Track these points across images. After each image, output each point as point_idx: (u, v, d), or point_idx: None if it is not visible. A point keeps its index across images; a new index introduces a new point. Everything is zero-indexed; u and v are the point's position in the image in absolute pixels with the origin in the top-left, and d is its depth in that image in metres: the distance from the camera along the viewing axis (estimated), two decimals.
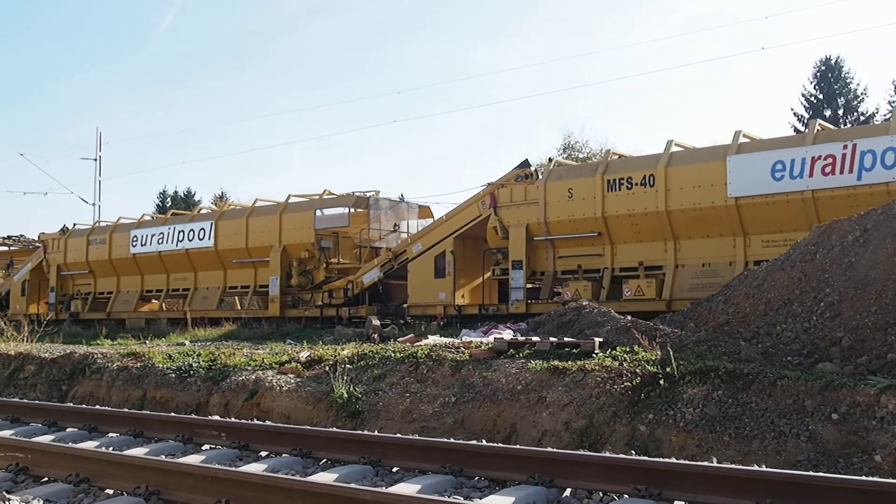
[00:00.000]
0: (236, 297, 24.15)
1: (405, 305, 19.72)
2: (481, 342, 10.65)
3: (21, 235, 32.57)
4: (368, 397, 9.34)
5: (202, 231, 23.67)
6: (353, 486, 5.51)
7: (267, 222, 22.44)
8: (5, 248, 32.84)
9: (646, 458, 6.08)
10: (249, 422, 8.45)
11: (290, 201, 22.57)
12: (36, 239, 31.68)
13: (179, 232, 24.17)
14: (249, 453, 7.44)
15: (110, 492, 6.11)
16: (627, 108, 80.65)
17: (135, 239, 25.25)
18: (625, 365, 8.17)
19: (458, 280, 18.88)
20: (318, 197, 22.51)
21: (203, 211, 24.49)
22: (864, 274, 8.39)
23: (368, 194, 22.00)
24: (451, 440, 7.07)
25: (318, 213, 21.81)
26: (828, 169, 14.09)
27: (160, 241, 24.64)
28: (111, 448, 7.76)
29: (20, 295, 29.01)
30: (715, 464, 5.83)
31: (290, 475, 6.36)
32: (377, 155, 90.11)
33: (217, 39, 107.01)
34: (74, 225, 27.94)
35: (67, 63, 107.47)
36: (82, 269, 27.12)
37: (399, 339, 12.44)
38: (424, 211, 23.58)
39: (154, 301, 26.37)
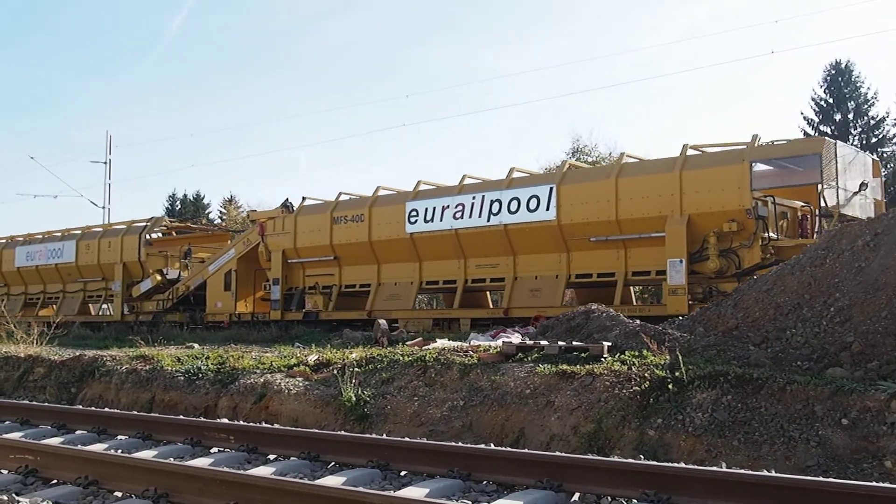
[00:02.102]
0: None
1: None
2: (490, 346, 10.65)
3: (204, 216, 28.64)
4: (377, 401, 9.34)
5: (534, 200, 17.12)
6: (361, 489, 5.53)
7: (654, 183, 15.80)
8: (158, 235, 26.80)
9: (654, 462, 6.06)
10: (258, 425, 8.47)
11: (689, 154, 15.92)
12: (235, 220, 28.10)
13: (493, 202, 17.66)
14: (258, 456, 7.45)
15: (119, 494, 6.13)
16: (636, 111, 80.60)
17: (413, 214, 18.90)
18: (633, 369, 8.15)
19: None
20: (743, 146, 15.39)
21: (518, 175, 18.19)
22: (874, 279, 8.35)
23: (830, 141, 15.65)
24: (460, 444, 7.07)
25: (758, 166, 15.21)
26: None
27: (458, 214, 18.19)
28: (120, 450, 7.79)
29: (223, 290, 22.66)
30: (724, 469, 5.80)
31: (298, 478, 6.37)
32: (386, 159, 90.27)
33: (226, 44, 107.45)
34: (304, 199, 21.96)
35: (77, 66, 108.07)
36: (323, 254, 20.69)
37: (407, 343, 12.44)
38: (876, 166, 17.08)
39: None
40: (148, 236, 25.42)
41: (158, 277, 24.80)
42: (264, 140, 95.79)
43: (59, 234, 28.54)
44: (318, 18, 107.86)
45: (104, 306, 28.41)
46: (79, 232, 27.90)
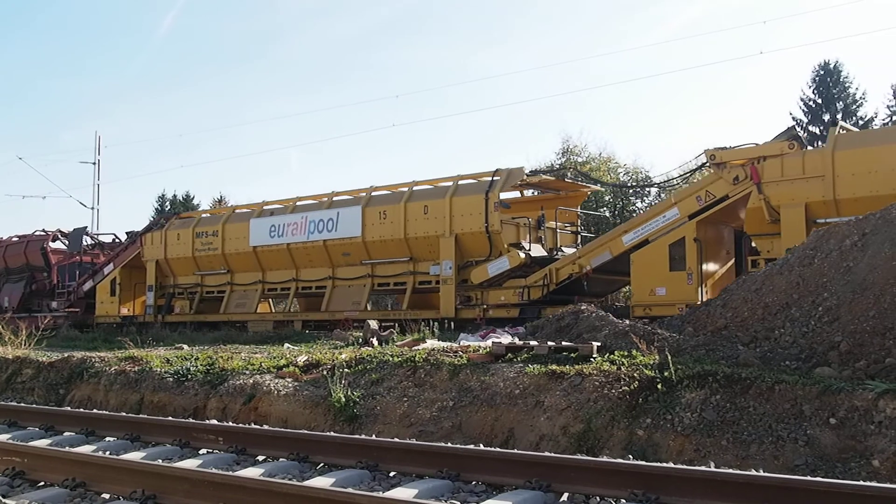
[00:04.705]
0: None
1: None
2: (479, 346, 10.65)
3: (561, 167, 19.03)
4: (366, 401, 9.32)
5: None
6: (349, 490, 5.52)
7: None
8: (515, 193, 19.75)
9: (643, 462, 6.06)
10: (246, 426, 8.44)
11: None
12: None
13: None
14: (246, 458, 7.43)
15: (106, 496, 6.11)
16: (626, 111, 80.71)
17: None
18: (623, 369, 8.16)
19: None
20: None
21: None
22: (862, 278, 8.39)
23: None
24: (449, 444, 7.06)
25: None
26: None
27: None
28: (108, 452, 7.76)
29: (667, 269, 15.24)
30: (712, 468, 5.81)
31: (287, 480, 6.35)
32: (375, 159, 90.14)
33: (216, 42, 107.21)
34: (838, 127, 14.76)
35: (66, 65, 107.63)
36: None
37: (397, 343, 12.43)
38: None
39: None
40: (501, 196, 17.80)
41: (521, 255, 17.28)
42: (254, 140, 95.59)
43: (309, 200, 21.23)
44: (307, 18, 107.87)
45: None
46: (345, 196, 20.43)
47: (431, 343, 11.88)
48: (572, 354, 9.07)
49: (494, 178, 17.84)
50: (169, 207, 58.98)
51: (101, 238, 29.65)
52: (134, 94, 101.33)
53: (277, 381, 10.35)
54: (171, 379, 11.45)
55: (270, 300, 23.28)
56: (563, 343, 9.53)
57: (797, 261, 9.29)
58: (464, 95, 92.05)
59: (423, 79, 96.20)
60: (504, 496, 5.68)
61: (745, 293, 9.41)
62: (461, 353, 9.92)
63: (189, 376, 11.35)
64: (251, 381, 10.53)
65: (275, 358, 11.77)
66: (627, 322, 10.29)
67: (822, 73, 46.14)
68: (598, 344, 9.30)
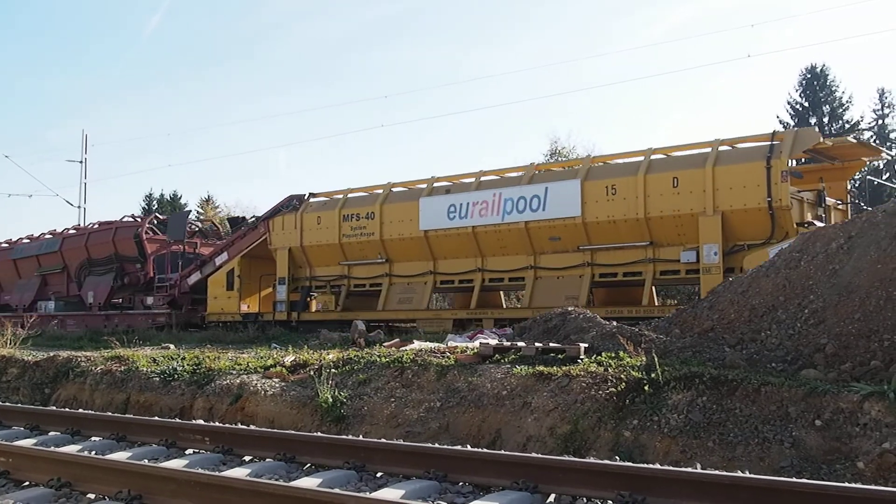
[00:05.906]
0: None
1: None
2: (467, 347, 10.65)
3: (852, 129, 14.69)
4: (353, 402, 9.31)
5: None
6: (336, 491, 5.50)
7: None
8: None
9: (630, 463, 6.07)
10: (233, 426, 8.41)
11: None
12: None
13: None
14: (233, 458, 7.40)
15: (92, 496, 6.08)
16: (614, 113, 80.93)
17: None
18: (610, 370, 8.17)
19: None
20: None
21: None
22: (847, 281, 8.42)
23: None
24: (436, 445, 7.05)
25: None
26: None
27: None
28: (93, 452, 7.72)
29: None
30: (699, 470, 5.83)
31: (274, 480, 6.33)
32: (364, 159, 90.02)
33: (204, 41, 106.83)
34: None
35: (54, 64, 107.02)
36: None
37: (384, 344, 12.41)
38: None
39: None
40: (790, 163, 14.49)
41: None
42: (242, 139, 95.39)
43: (492, 175, 18.22)
44: (295, 18, 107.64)
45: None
46: (553, 168, 17.56)
47: (419, 344, 11.88)
48: (560, 356, 9.08)
49: (774, 143, 14.25)
50: (156, 206, 58.78)
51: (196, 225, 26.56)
52: (121, 93, 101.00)
53: (264, 382, 10.32)
54: (157, 379, 11.40)
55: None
56: (551, 344, 9.53)
57: (783, 263, 9.32)
58: (453, 96, 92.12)
59: (412, 80, 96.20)
60: (491, 497, 5.68)
61: (731, 295, 9.43)
62: (448, 354, 9.92)
63: (176, 376, 11.31)
64: (238, 382, 10.50)
65: (262, 358, 11.75)
66: (615, 324, 10.32)
67: (808, 76, 46.44)
68: (586, 345, 9.32)
